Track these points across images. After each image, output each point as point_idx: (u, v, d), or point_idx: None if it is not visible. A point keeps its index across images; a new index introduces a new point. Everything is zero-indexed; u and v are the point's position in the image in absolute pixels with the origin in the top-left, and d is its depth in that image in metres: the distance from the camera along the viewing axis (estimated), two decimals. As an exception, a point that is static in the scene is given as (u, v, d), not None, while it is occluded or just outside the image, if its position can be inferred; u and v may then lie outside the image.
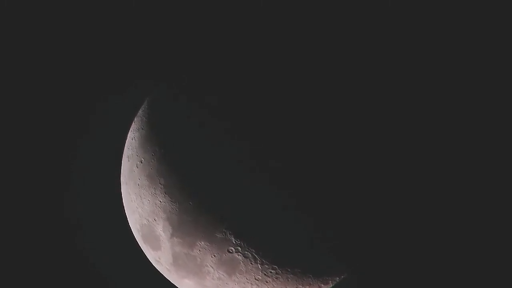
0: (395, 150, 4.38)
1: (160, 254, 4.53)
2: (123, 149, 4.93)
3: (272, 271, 4.22)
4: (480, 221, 5.77)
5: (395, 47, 5.99)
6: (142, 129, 4.60)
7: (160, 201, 4.31)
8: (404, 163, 4.44)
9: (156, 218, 4.37)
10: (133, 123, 4.83)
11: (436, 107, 5.77)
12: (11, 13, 5.94)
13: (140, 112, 4.81)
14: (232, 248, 4.14)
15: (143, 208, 4.47)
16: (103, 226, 5.83)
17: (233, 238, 4.10)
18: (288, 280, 4.29)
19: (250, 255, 4.14)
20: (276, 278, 4.26)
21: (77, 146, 5.97)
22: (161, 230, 4.36)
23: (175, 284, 4.80)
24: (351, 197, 4.12)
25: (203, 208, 4.08)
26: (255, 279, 4.26)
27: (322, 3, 6.11)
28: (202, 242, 4.18)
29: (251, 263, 4.18)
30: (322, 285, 4.53)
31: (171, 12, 6.12)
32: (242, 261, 4.18)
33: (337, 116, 4.18)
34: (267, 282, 4.28)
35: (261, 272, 4.22)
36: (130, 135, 4.83)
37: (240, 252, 4.14)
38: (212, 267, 4.27)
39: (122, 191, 4.88)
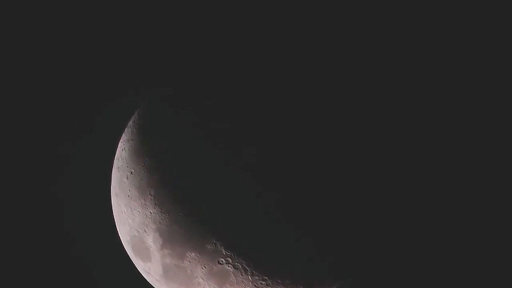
0: (388, 158, 4.32)
1: (150, 265, 4.53)
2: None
3: (262, 282, 4.20)
4: (476, 228, 5.69)
5: (395, 47, 5.92)
6: (132, 140, 4.59)
7: (150, 212, 4.30)
8: (401, 170, 4.39)
9: (146, 229, 4.37)
10: (124, 134, 4.83)
11: (435, 109, 5.69)
12: (10, 13, 5.98)
13: (130, 123, 4.80)
14: (223, 259, 4.13)
15: (133, 219, 4.47)
16: (93, 237, 5.86)
17: (223, 249, 4.09)
18: (278, 291, 4.28)
19: (240, 266, 4.13)
20: (267, 289, 4.25)
21: (70, 153, 5.99)
22: (151, 241, 4.36)
23: (165, 296, 4.81)
24: (345, 210, 4.09)
25: (193, 219, 4.08)
26: (245, 290, 4.26)
27: (322, 3, 6.04)
28: (193, 253, 4.17)
29: (242, 274, 4.17)
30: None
31: (166, 19, 6.10)
32: (233, 273, 4.17)
33: (336, 119, 4.13)
34: (257, 293, 4.27)
35: (252, 283, 4.21)
36: (120, 146, 4.82)
37: (231, 264, 4.13)
38: (203, 279, 4.26)
39: (112, 203, 4.89)
